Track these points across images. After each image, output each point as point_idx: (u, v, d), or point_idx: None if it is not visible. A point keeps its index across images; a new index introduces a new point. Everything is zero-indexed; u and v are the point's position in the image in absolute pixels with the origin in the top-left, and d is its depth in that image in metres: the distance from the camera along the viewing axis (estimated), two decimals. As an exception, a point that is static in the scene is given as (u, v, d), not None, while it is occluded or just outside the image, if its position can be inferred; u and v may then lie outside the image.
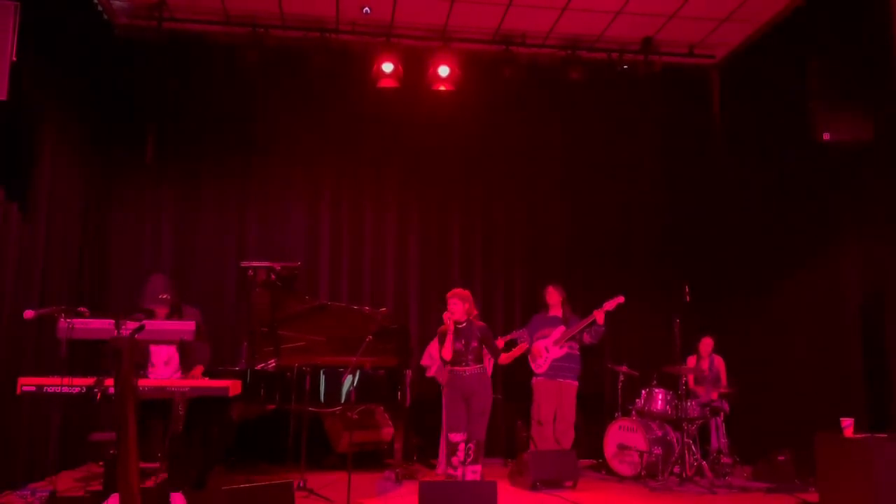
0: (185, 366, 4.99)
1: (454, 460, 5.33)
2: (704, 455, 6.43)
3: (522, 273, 7.86)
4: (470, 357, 5.47)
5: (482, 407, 5.46)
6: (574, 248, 7.92)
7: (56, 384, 4.26)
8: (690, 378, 6.85)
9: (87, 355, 6.04)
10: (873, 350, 5.77)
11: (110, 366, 4.67)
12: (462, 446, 5.34)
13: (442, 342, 5.49)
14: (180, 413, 4.61)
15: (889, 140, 5.59)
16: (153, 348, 5.04)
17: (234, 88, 7.42)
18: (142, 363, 4.91)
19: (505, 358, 6.47)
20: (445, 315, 5.48)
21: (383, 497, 5.43)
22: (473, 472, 5.31)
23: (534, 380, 6.60)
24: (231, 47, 7.21)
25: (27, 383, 4.30)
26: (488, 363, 5.89)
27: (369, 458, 6.81)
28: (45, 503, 4.83)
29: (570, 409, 6.50)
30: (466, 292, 5.63)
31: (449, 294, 5.60)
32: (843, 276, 6.16)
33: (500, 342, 6.66)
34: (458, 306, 5.49)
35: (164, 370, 5.01)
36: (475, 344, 5.49)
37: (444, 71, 7.36)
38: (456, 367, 5.50)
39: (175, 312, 5.00)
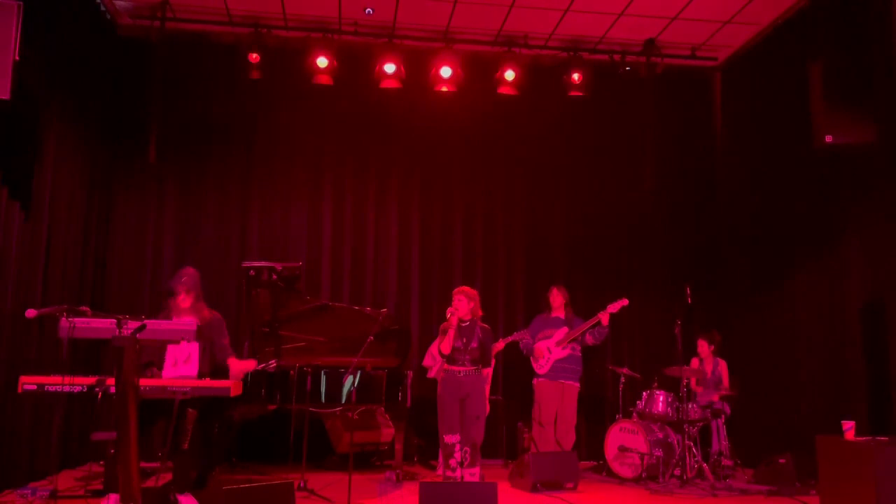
0: (205, 364, 4.94)
1: (452, 462, 5.32)
2: (705, 457, 6.42)
3: (524, 274, 7.86)
4: (467, 357, 5.46)
5: (477, 410, 5.44)
6: (575, 249, 7.92)
7: (57, 383, 4.26)
8: (693, 380, 6.85)
9: (89, 354, 6.06)
10: (875, 352, 5.77)
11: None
12: (458, 447, 5.33)
13: (443, 337, 5.49)
14: (188, 428, 4.62)
15: (892, 142, 5.59)
16: (171, 346, 5.02)
17: (236, 88, 7.43)
18: (157, 361, 4.89)
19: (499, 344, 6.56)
20: (449, 310, 5.47)
21: (384, 498, 5.43)
22: (472, 475, 5.32)
23: (535, 381, 6.59)
24: (233, 47, 7.21)
25: (28, 382, 4.30)
26: (489, 368, 5.90)
27: (370, 459, 6.81)
28: (46, 502, 4.83)
29: (571, 410, 6.49)
30: (474, 291, 5.64)
31: (456, 290, 5.61)
32: (844, 279, 6.16)
33: (501, 343, 6.67)
34: (464, 304, 5.49)
35: (183, 368, 4.97)
36: (475, 345, 5.48)
37: (446, 72, 7.37)
38: (451, 367, 5.50)
39: (197, 302, 5.01)
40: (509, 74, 7.46)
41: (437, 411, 5.61)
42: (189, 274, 5.06)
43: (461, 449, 5.37)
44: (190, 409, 4.66)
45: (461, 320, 5.48)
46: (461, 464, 5.30)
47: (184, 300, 4.96)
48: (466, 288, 5.67)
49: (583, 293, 7.41)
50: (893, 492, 4.40)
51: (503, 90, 7.59)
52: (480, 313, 5.65)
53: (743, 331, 7.40)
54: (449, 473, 5.34)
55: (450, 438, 5.38)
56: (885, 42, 5.59)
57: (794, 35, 6.75)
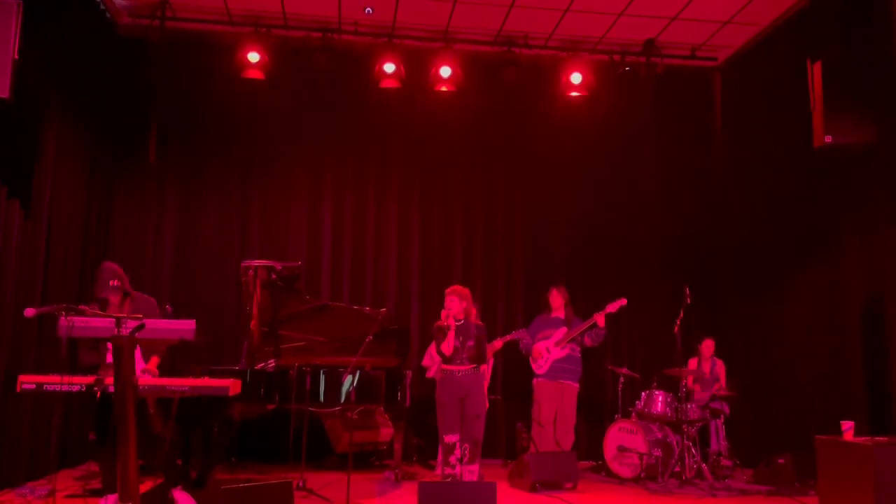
0: (144, 356, 4.91)
1: (451, 459, 5.32)
2: (704, 457, 6.42)
3: (524, 274, 7.86)
4: (464, 356, 5.46)
5: (476, 410, 5.43)
6: (576, 249, 7.92)
7: (56, 382, 4.25)
8: (690, 380, 6.84)
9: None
10: (874, 353, 5.76)
11: (86, 359, 4.65)
12: (458, 445, 5.33)
13: (441, 338, 5.47)
14: (151, 412, 4.59)
15: (892, 143, 5.58)
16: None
17: (236, 88, 7.41)
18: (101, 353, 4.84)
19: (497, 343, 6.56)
20: (443, 312, 5.47)
21: (383, 497, 5.43)
22: (470, 473, 5.31)
23: (535, 381, 6.59)
24: (233, 47, 7.21)
25: (27, 381, 4.29)
26: (487, 366, 5.89)
27: (369, 459, 6.81)
28: (45, 501, 4.83)
29: (570, 410, 6.50)
30: (466, 290, 5.63)
31: (448, 290, 5.59)
32: (844, 279, 6.16)
33: (500, 343, 6.67)
34: (455, 304, 5.48)
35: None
36: (471, 343, 5.47)
37: (445, 72, 7.36)
38: (449, 367, 5.49)
39: (126, 298, 4.85)
40: (509, 74, 7.46)
41: (437, 412, 5.60)
42: (111, 274, 4.78)
43: (461, 446, 5.37)
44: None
45: (455, 319, 5.48)
46: (461, 460, 5.30)
47: (118, 304, 4.76)
48: (458, 287, 5.66)
49: (582, 293, 7.41)
50: (892, 492, 4.40)
51: (502, 90, 7.59)
52: (474, 311, 5.65)
53: (742, 331, 7.39)
54: (448, 471, 5.34)
55: (450, 438, 5.37)
56: (886, 42, 5.59)
57: (795, 35, 6.75)
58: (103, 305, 4.68)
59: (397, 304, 7.56)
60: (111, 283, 4.77)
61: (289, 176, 7.69)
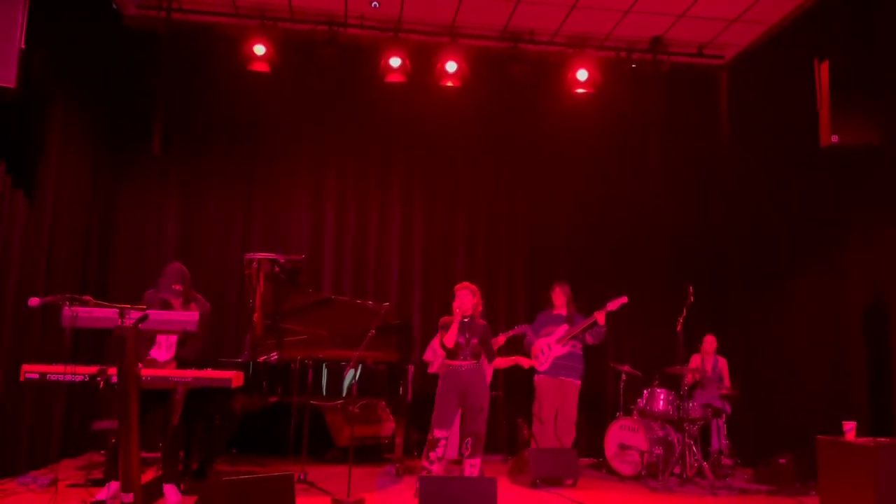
0: (179, 353, 4.95)
1: (432, 455, 5.28)
2: (705, 456, 6.42)
3: (526, 270, 7.85)
4: (468, 352, 5.47)
5: (479, 404, 5.43)
6: (578, 246, 7.91)
7: (59, 372, 4.26)
8: (689, 377, 6.83)
9: (91, 344, 6.06)
10: (877, 353, 5.76)
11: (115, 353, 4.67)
12: (443, 443, 5.30)
13: (444, 332, 5.49)
14: (178, 403, 4.61)
15: (897, 144, 5.58)
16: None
17: (241, 80, 7.41)
18: (148, 345, 4.89)
19: (500, 362, 6.54)
20: (455, 304, 5.46)
21: (383, 491, 5.43)
22: (472, 466, 5.30)
23: (536, 377, 6.60)
24: (239, 39, 7.20)
25: (30, 370, 4.31)
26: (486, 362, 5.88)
27: (370, 453, 6.82)
28: (46, 490, 4.84)
29: (571, 407, 6.50)
30: (475, 287, 5.64)
31: (459, 286, 5.58)
32: (847, 279, 6.15)
33: (502, 338, 6.67)
34: (468, 299, 5.49)
35: (163, 353, 4.99)
36: (475, 340, 5.48)
37: (451, 67, 7.35)
38: (452, 362, 5.50)
39: (188, 303, 4.99)
40: (514, 70, 7.44)
41: (435, 404, 5.59)
42: (176, 277, 4.88)
43: (462, 442, 5.37)
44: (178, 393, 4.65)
45: (463, 315, 5.49)
46: (440, 458, 5.29)
47: (179, 307, 4.87)
48: (469, 284, 5.67)
49: (585, 291, 7.38)
50: (894, 494, 4.40)
51: (508, 86, 7.57)
52: (480, 309, 5.65)
53: (745, 329, 7.39)
54: (426, 464, 5.30)
55: (439, 433, 5.35)
56: (893, 43, 5.57)
57: (801, 35, 6.73)
58: (165, 306, 4.72)
59: (399, 299, 7.55)
60: (174, 286, 4.81)
61: (292, 169, 7.68)
